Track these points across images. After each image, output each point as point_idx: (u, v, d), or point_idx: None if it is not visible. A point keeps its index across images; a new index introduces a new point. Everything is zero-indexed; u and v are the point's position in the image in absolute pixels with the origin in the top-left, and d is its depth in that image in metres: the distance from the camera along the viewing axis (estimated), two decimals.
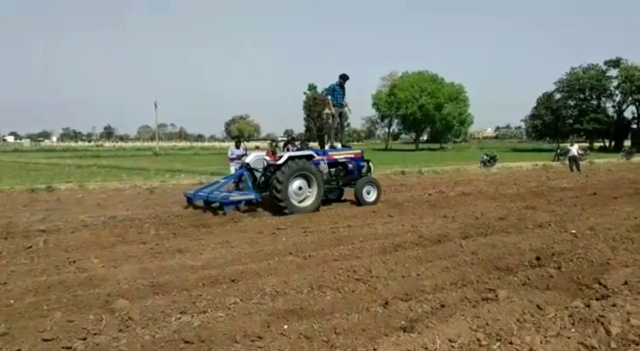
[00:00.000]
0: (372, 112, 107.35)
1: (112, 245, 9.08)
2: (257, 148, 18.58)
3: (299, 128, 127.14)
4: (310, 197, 13.30)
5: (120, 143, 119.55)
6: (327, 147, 15.12)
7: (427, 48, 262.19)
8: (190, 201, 13.97)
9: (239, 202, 12.95)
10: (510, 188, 18.33)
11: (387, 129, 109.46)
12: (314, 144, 23.21)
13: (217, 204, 13.09)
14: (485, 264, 7.17)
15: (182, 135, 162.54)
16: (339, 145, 15.34)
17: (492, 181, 21.40)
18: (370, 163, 15.47)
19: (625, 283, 5.97)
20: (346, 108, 14.65)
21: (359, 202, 14.25)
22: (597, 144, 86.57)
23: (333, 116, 14.65)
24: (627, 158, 43.21)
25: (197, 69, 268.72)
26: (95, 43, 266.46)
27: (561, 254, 7.50)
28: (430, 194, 16.80)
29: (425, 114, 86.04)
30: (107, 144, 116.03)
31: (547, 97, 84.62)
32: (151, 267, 7.36)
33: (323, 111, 14.22)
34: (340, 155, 14.70)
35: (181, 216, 12.08)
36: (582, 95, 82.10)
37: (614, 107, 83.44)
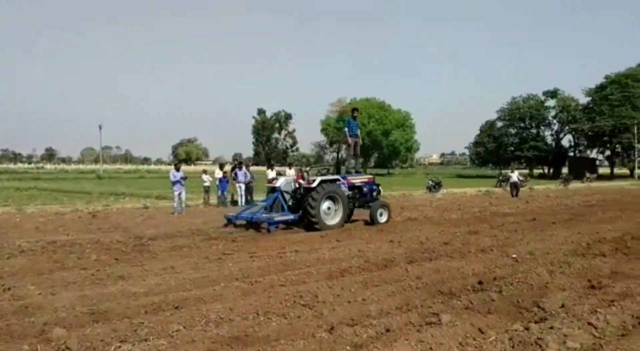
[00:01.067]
0: (321, 138, 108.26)
1: (50, 271, 8.73)
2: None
3: (248, 152, 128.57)
4: (337, 215, 14.90)
5: (62, 166, 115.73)
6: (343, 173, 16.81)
7: (375, 76, 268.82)
8: (230, 221, 15.32)
9: (282, 222, 14.60)
10: (455, 214, 18.67)
11: (335, 154, 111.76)
12: (260, 169, 24.38)
13: (259, 224, 14.46)
14: (430, 288, 7.23)
15: (127, 158, 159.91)
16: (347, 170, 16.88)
17: (437, 206, 21.66)
18: (380, 187, 17.27)
19: (562, 306, 6.08)
20: (359, 139, 16.76)
21: (372, 221, 15.57)
22: (536, 171, 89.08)
23: (349, 145, 16.47)
24: (564, 185, 44.19)
25: (144, 91, 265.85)
26: (40, 60, 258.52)
27: (502, 278, 7.60)
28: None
29: (373, 140, 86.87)
30: (49, 166, 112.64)
31: (489, 125, 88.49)
32: (91, 294, 7.13)
33: (342, 142, 16.62)
34: (357, 180, 16.38)
35: (124, 241, 11.62)
36: (522, 124, 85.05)
37: (552, 135, 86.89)
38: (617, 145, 75.65)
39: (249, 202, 21.47)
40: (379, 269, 8.57)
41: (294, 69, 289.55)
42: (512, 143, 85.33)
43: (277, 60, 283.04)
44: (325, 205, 14.82)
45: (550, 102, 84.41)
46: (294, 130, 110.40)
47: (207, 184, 22.64)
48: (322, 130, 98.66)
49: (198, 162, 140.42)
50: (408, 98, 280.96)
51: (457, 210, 20.15)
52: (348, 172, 16.74)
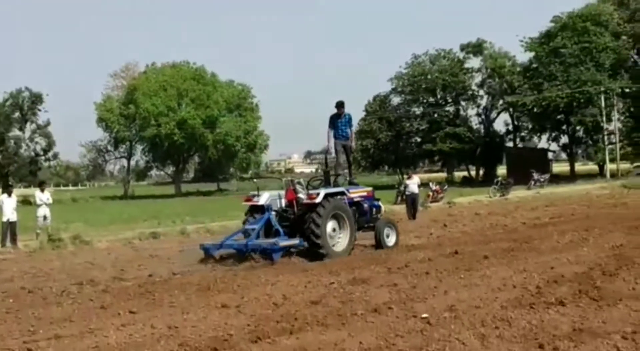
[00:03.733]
0: (98, 134, 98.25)
1: None
2: None
3: None
4: (343, 240, 17.44)
5: None
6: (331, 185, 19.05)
7: (190, 30, 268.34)
8: (208, 253, 17.42)
9: (288, 248, 16.92)
10: None
11: (125, 162, 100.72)
12: None
13: (254, 253, 16.87)
14: None
15: None
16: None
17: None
18: (380, 202, 20.06)
19: None
20: (352, 142, 19.94)
21: (379, 245, 18.31)
22: (459, 174, 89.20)
23: (337, 151, 19.54)
24: (502, 195, 44.88)
25: None
26: None
27: None
28: (198, 268, 16.69)
29: (190, 135, 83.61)
30: None
31: (380, 103, 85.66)
32: None
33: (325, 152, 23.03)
34: (356, 194, 18.97)
35: None
36: (432, 99, 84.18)
37: (479, 115, 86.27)
38: (578, 127, 76.61)
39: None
40: None
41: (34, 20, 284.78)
42: (418, 130, 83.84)
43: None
44: (330, 226, 17.14)
45: (474, 62, 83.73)
46: (47, 124, 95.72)
47: None
48: (100, 121, 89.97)
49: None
50: (249, 69, 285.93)
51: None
52: (352, 183, 20.11)
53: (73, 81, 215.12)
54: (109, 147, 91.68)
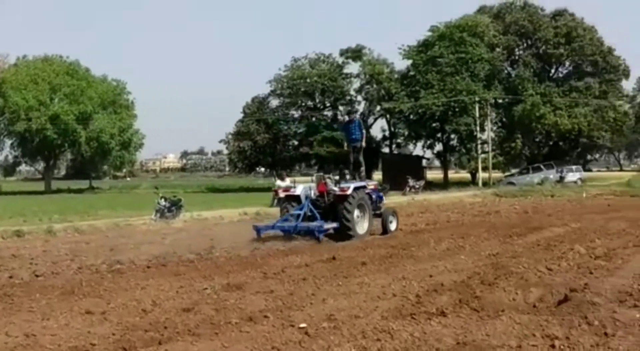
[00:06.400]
0: None
1: None
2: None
3: None
4: (364, 224, 22.35)
5: None
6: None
7: (62, 25, 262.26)
8: (259, 233, 21.46)
9: (328, 230, 21.33)
10: (203, 254, 18.26)
11: None
12: None
13: (301, 234, 21.12)
14: None
15: None
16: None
17: (173, 243, 20.93)
18: (382, 194, 24.81)
19: None
20: (362, 142, 24.63)
21: (385, 230, 23.20)
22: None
23: (350, 152, 24.71)
24: None
25: None
26: None
27: None
28: (62, 270, 15.72)
29: (63, 131, 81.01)
30: None
31: (258, 105, 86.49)
32: None
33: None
34: (370, 188, 23.87)
35: None
36: (310, 102, 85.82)
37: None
38: (452, 135, 78.89)
39: None
40: None
41: None
42: (296, 133, 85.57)
43: None
44: (356, 213, 21.73)
45: (353, 67, 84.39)
46: None
47: None
48: None
49: None
50: (123, 64, 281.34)
51: (209, 247, 19.63)
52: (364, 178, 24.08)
53: None
54: None
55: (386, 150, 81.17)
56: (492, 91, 70.12)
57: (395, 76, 76.03)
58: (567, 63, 76.24)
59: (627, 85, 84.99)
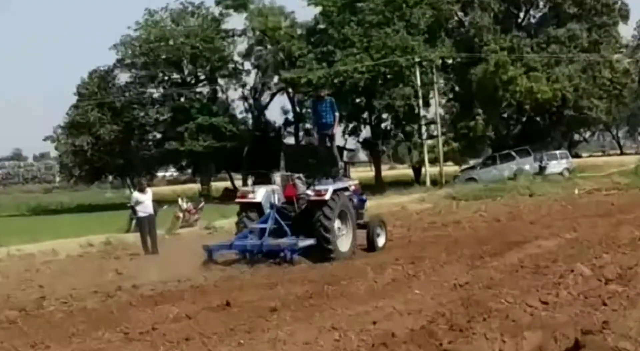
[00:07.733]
0: None
1: None
2: None
3: None
4: (347, 239, 22.73)
5: None
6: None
7: None
8: (211, 255, 22.26)
9: (303, 248, 21.84)
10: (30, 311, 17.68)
11: None
12: None
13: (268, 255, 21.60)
14: None
15: None
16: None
17: None
18: (365, 197, 25.65)
19: None
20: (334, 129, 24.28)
21: (371, 246, 24.04)
22: (219, 185, 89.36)
23: (319, 144, 24.37)
24: None
25: None
26: None
27: None
28: None
29: None
30: None
31: (99, 81, 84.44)
32: None
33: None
34: (351, 190, 23.98)
35: None
36: (176, 75, 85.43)
37: (245, 98, 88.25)
38: (385, 114, 79.62)
39: None
40: None
41: None
42: (157, 121, 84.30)
43: None
44: (336, 224, 22.08)
45: (236, 21, 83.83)
46: None
47: None
48: None
49: None
50: None
51: (38, 298, 19.76)
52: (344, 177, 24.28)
53: None
54: None
55: (291, 140, 80.00)
56: (438, 48, 69.75)
57: (299, 32, 75.85)
58: (542, 3, 75.74)
59: (626, 32, 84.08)
